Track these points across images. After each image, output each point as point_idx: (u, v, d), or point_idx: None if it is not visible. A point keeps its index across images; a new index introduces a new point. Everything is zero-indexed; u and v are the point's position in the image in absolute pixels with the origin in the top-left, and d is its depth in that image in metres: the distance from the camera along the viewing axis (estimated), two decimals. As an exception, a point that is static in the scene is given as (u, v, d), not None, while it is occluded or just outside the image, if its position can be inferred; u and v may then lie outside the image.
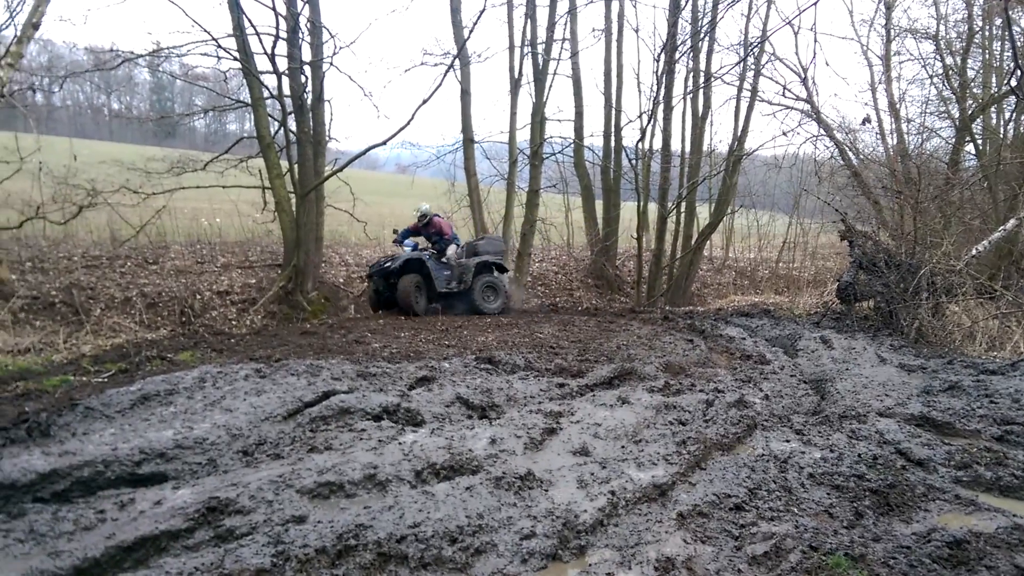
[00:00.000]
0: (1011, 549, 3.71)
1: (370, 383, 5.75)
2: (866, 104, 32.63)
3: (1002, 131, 16.05)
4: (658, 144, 15.72)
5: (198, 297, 11.20)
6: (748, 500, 4.19)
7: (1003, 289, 9.17)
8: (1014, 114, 16.02)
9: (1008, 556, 3.61)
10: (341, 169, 12.21)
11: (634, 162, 15.68)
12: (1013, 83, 12.40)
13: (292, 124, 12.28)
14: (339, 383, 5.58)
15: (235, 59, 11.54)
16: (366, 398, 5.17)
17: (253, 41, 11.53)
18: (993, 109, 16.18)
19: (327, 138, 12.78)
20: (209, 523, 3.49)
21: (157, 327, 9.34)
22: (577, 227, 18.30)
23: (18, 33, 8.14)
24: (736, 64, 15.61)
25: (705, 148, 16.70)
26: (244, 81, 12.28)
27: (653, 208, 16.08)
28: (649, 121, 14.94)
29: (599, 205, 17.38)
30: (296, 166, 12.32)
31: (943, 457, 5.10)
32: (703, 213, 16.91)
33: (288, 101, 12.05)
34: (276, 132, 12.37)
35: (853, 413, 6.04)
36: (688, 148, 16.23)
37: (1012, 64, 13.06)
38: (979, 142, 15.38)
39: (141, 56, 12.20)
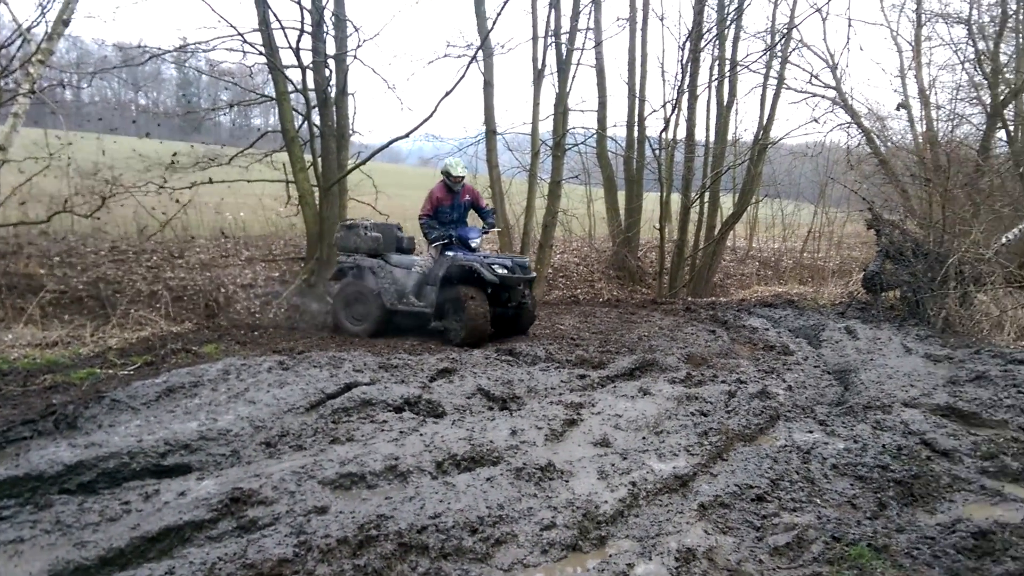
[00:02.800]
0: (1038, 541, 3.65)
1: (391, 375, 5.79)
2: (896, 91, 32.12)
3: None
4: (682, 134, 15.59)
5: (222, 290, 11.32)
6: (770, 491, 4.15)
7: (1034, 278, 9.00)
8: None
9: (1035, 548, 3.56)
10: (364, 162, 12.25)
11: (657, 152, 15.56)
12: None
13: (316, 118, 12.32)
14: (361, 375, 5.62)
15: (260, 53, 11.62)
16: (388, 390, 5.21)
17: (278, 35, 11.59)
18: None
19: (351, 131, 12.83)
20: (232, 514, 3.53)
21: (182, 320, 9.46)
22: (599, 218, 18.20)
23: (49, 30, 8.24)
24: (763, 52, 15.40)
25: (730, 137, 16.52)
26: (269, 76, 12.37)
27: (676, 199, 15.95)
28: (673, 110, 14.83)
29: (621, 196, 17.28)
30: (320, 159, 12.38)
31: (969, 447, 5.02)
32: (727, 203, 16.76)
33: (312, 95, 12.11)
34: (300, 126, 12.43)
35: (878, 403, 5.96)
36: (712, 137, 16.06)
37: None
38: (1011, 128, 15.05)
39: (168, 52, 12.33)
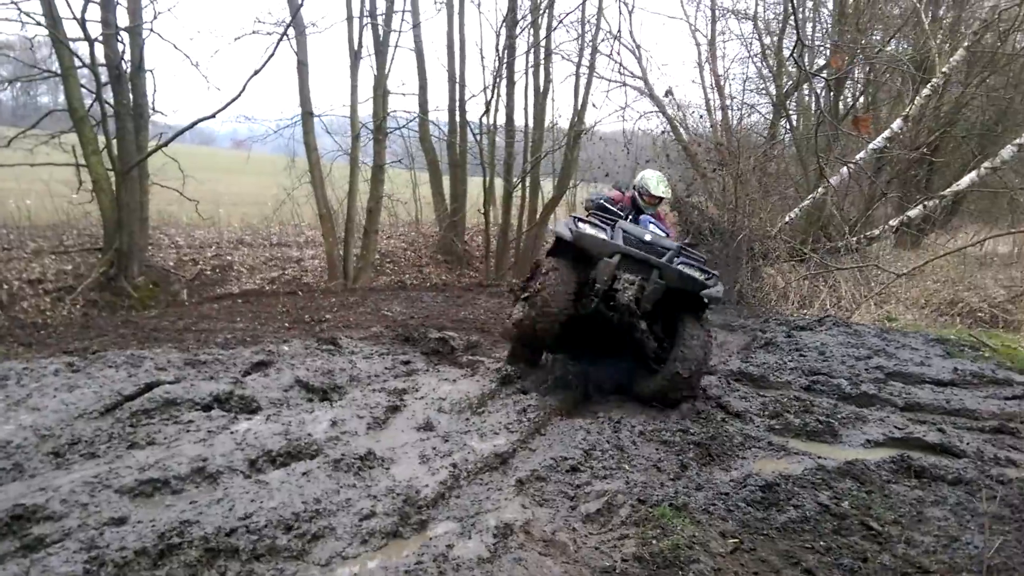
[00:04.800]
0: (814, 488, 4.10)
1: (199, 371, 5.43)
2: (694, 81, 34.47)
3: (813, 107, 17.51)
4: (502, 119, 15.84)
5: (5, 287, 10.12)
6: (583, 461, 4.35)
7: (812, 252, 10.06)
8: (823, 92, 17.52)
9: (812, 495, 3.99)
10: (166, 144, 11.36)
11: (479, 137, 15.72)
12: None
13: (109, 96, 11.26)
14: (164, 373, 5.23)
15: (40, 24, 10.42)
16: (194, 387, 4.88)
17: (61, 6, 10.45)
18: (806, 87, 17.61)
19: (150, 111, 11.83)
20: (14, 533, 3.17)
21: (-45, 323, 8.36)
22: (425, 203, 18.13)
23: None
24: (573, 40, 16.00)
25: (547, 123, 17.01)
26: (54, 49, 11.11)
27: (500, 183, 16.22)
28: (492, 95, 15.02)
29: (447, 181, 17.31)
30: (115, 141, 11.33)
31: (758, 408, 5.54)
32: (547, 187, 17.26)
33: (103, 70, 11.04)
34: (91, 105, 11.30)
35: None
36: (531, 123, 16.46)
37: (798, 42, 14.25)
38: (793, 117, 16.67)
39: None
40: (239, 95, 10.74)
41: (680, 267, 5.32)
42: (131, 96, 11.37)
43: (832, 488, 4.09)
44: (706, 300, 5.44)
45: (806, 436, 5.09)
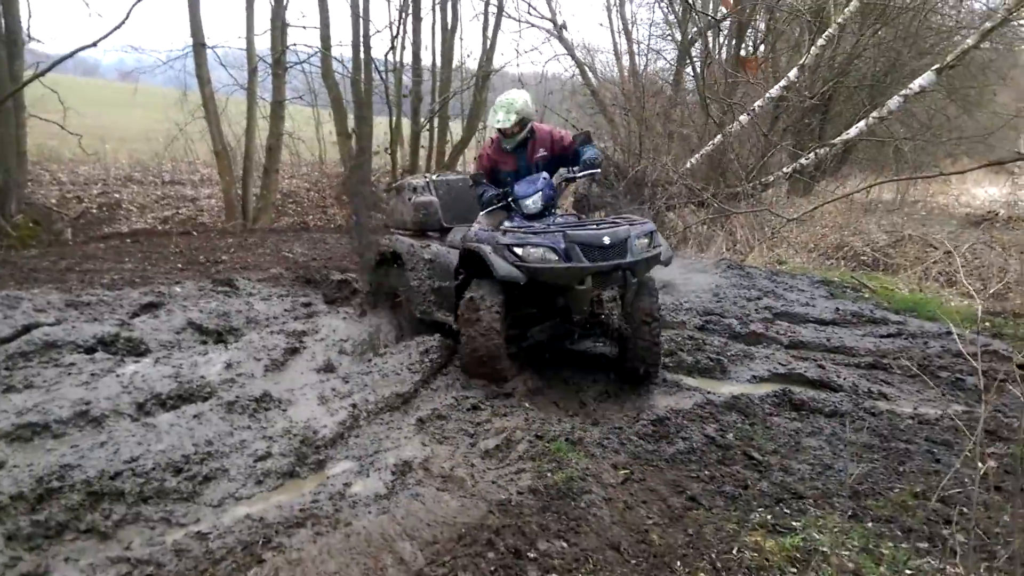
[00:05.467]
0: (702, 421, 4.30)
1: (82, 313, 5.15)
2: (602, 25, 34.43)
3: (717, 54, 17.83)
4: (408, 58, 15.41)
5: None
6: (484, 400, 4.39)
7: (711, 197, 10.37)
8: (725, 39, 17.84)
9: (699, 427, 4.19)
10: (43, 73, 10.47)
11: (384, 75, 15.26)
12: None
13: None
14: (43, 315, 4.93)
15: None
16: (76, 329, 4.64)
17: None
18: (710, 34, 17.87)
19: (25, 37, 10.86)
20: None
21: None
22: (329, 142, 17.57)
23: None
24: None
25: (455, 64, 16.67)
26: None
27: (407, 124, 15.87)
28: (397, 33, 14.56)
29: (351, 120, 16.79)
30: (-13, 69, 10.38)
31: (656, 347, 5.71)
32: (456, 129, 17.02)
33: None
34: (-42, 30, 10.28)
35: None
36: (439, 62, 16.09)
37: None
38: (697, 64, 16.91)
39: None
40: (123, 22, 10.14)
41: (641, 254, 4.59)
42: (2, 21, 10.40)
43: (719, 421, 4.30)
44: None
45: (698, 373, 5.30)
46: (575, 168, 5.11)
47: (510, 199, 5.09)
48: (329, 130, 17.36)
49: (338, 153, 17.26)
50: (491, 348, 4.52)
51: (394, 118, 15.02)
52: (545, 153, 5.17)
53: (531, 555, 2.81)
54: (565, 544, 2.92)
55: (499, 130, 5.13)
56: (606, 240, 4.46)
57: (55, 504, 2.92)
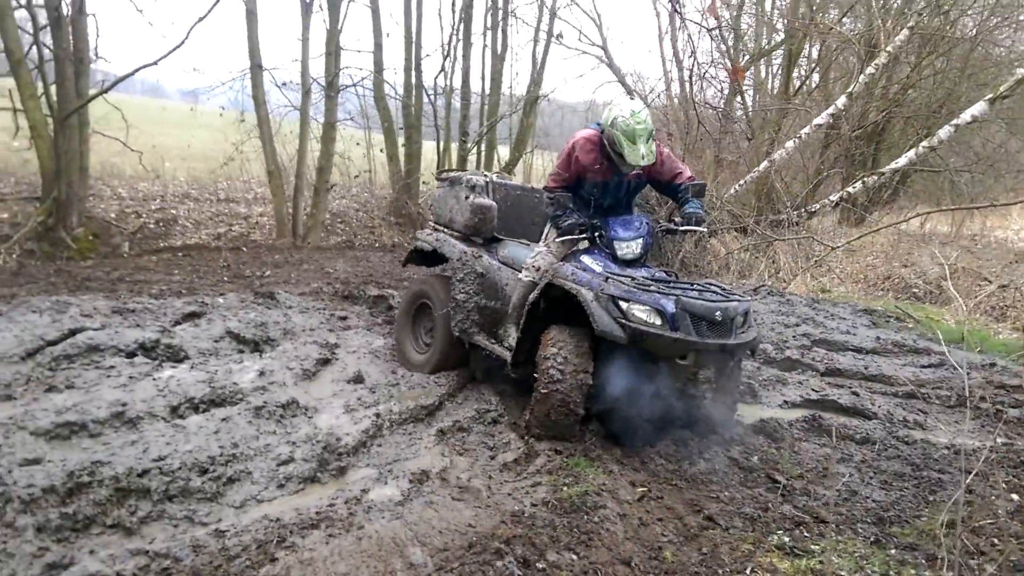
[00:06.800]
0: (726, 443, 4.23)
1: (126, 319, 5.34)
2: (650, 51, 34.37)
3: (768, 83, 17.71)
4: (458, 82, 15.70)
5: (-65, 234, 9.77)
6: (506, 413, 4.42)
7: (754, 224, 10.26)
8: (778, 69, 17.70)
9: (723, 449, 4.12)
10: (107, 90, 10.98)
11: (434, 99, 15.56)
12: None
13: (48, 39, 10.83)
14: (89, 320, 5.13)
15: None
16: (119, 334, 4.81)
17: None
18: (762, 62, 17.77)
19: (92, 57, 11.40)
20: (-81, 472, 3.13)
21: None
22: (379, 164, 17.93)
23: None
24: (532, 2, 15.86)
25: (505, 89, 16.92)
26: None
27: (455, 147, 16.11)
28: (448, 56, 14.85)
29: (401, 142, 17.13)
30: (54, 86, 10.93)
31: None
32: (503, 152, 17.22)
33: (42, 12, 10.60)
34: (29, 49, 10.85)
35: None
36: (488, 87, 16.35)
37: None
38: (747, 94, 16.83)
39: None
40: (182, 42, 10.47)
41: (742, 336, 4.12)
42: (71, 40, 10.96)
43: (744, 444, 4.24)
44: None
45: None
46: (678, 220, 4.53)
47: (596, 234, 4.42)
48: (380, 151, 17.75)
49: (387, 175, 17.62)
50: (571, 410, 3.94)
51: (442, 142, 15.27)
52: (639, 172, 4.49)
53: (539, 565, 2.81)
54: (575, 556, 2.92)
55: (632, 164, 4.24)
56: (718, 316, 3.93)
57: (84, 498, 3.03)
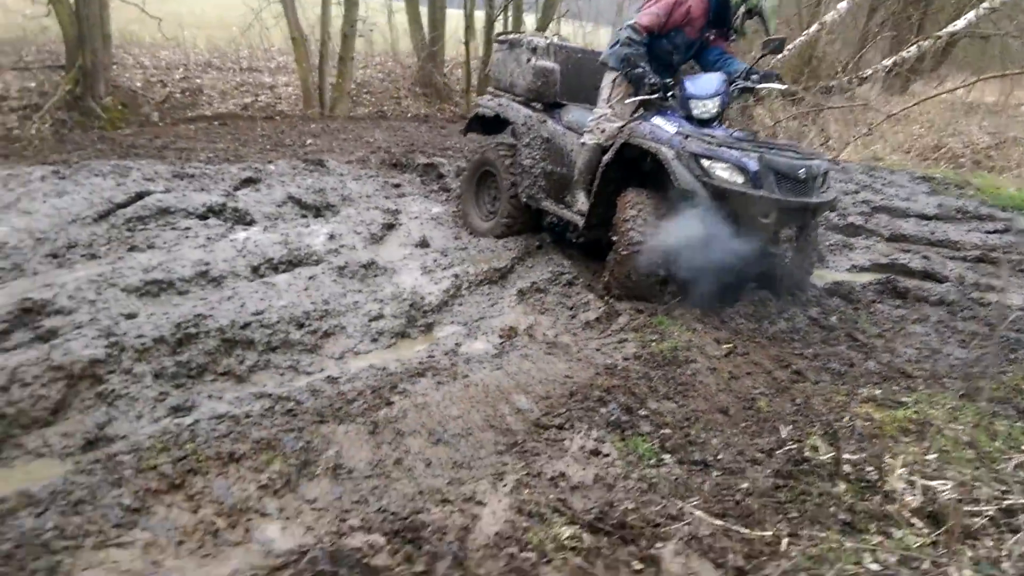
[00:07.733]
0: (804, 304, 4.25)
1: (189, 183, 5.30)
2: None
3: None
4: (484, -59, 14.85)
5: (-35, 103, 9.61)
6: (579, 275, 4.43)
7: (803, 91, 9.90)
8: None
9: (802, 309, 4.15)
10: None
11: (460, -40, 14.77)
12: None
13: None
14: (153, 183, 5.09)
15: None
16: (187, 197, 4.79)
17: None
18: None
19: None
20: (25, 325, 3.20)
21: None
22: (402, 31, 17.26)
23: None
24: None
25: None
26: None
27: (481, 15, 15.43)
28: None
29: (424, 9, 16.41)
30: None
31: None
32: (530, 21, 16.50)
33: None
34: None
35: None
36: (516, -52, 15.46)
37: None
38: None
39: None
40: None
41: (823, 195, 4.02)
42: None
43: (821, 305, 4.26)
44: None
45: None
46: (754, 75, 4.22)
47: (669, 93, 4.08)
48: (400, 19, 17.05)
49: (411, 43, 17.00)
50: (652, 271, 3.92)
51: (468, 7, 14.61)
52: (713, 35, 4.29)
53: (642, 412, 2.89)
54: (675, 405, 3.00)
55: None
56: (802, 173, 3.81)
57: (194, 348, 3.12)
